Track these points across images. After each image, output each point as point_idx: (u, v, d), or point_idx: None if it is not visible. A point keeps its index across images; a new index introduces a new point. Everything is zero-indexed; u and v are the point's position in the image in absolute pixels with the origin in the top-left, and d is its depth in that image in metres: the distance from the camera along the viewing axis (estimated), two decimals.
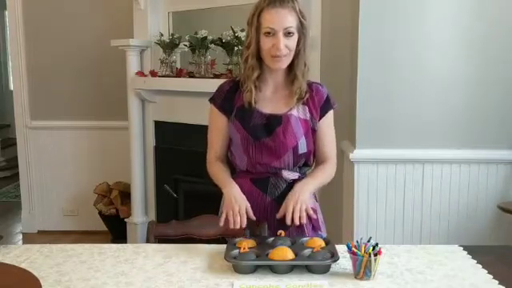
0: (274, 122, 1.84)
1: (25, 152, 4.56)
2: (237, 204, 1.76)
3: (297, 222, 1.73)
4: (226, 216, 1.75)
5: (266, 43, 1.78)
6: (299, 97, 1.85)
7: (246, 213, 1.76)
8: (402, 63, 2.74)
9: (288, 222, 1.73)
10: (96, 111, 4.43)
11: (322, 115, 1.89)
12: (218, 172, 1.91)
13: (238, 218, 1.74)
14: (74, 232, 4.51)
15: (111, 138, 4.40)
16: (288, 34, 1.77)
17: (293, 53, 1.81)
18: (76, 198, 4.54)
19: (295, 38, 1.79)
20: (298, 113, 1.86)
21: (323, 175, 1.91)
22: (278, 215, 1.78)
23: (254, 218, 1.77)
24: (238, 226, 1.73)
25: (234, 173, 1.95)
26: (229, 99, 1.89)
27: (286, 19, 1.76)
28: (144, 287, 1.47)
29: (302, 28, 1.80)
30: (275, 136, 1.83)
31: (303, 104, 1.87)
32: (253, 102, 1.84)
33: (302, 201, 1.75)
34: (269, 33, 1.76)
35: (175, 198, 3.71)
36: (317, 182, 1.87)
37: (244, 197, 1.80)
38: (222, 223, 1.76)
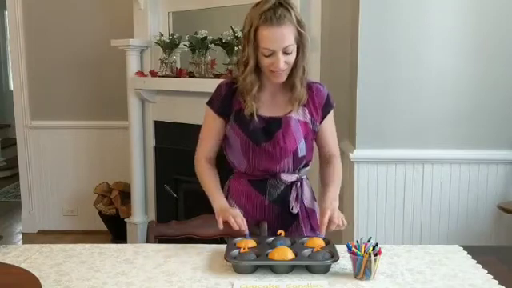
0: (273, 126, 1.81)
1: (25, 152, 4.56)
2: (232, 212, 1.77)
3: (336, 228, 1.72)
4: (227, 220, 1.74)
5: (264, 61, 1.73)
6: (298, 103, 1.82)
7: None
8: (402, 63, 2.74)
9: (323, 231, 1.72)
10: (96, 111, 4.43)
11: (324, 116, 1.88)
12: (207, 178, 1.90)
13: (239, 220, 1.74)
14: (73, 232, 4.51)
15: (111, 138, 4.41)
16: (287, 50, 1.71)
17: (292, 65, 1.76)
18: (76, 198, 4.54)
19: (294, 51, 1.73)
20: (298, 115, 1.84)
21: (339, 176, 1.91)
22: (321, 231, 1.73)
23: (246, 231, 1.74)
24: (242, 228, 1.72)
25: (231, 173, 1.95)
26: (226, 103, 1.85)
27: (284, 39, 1.69)
28: (144, 287, 1.47)
29: (300, 38, 1.73)
30: (275, 141, 1.81)
31: (303, 106, 1.84)
32: (254, 113, 1.80)
33: (335, 209, 1.75)
34: (267, 53, 1.71)
35: (175, 198, 3.71)
36: (338, 186, 1.88)
37: (236, 209, 1.82)
38: (221, 226, 1.75)
